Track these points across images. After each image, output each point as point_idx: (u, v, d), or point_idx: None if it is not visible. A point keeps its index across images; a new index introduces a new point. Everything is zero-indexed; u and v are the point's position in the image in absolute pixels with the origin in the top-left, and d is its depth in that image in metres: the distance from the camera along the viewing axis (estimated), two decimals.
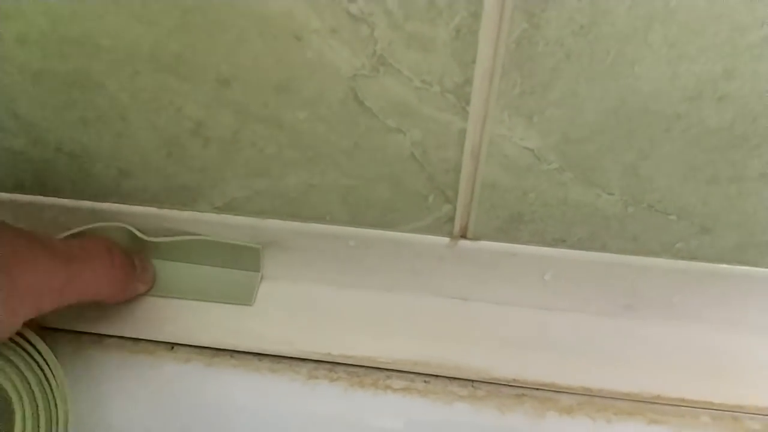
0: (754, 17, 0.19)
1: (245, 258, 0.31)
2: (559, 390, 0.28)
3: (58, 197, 0.30)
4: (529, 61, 0.21)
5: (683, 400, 0.28)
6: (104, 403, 0.28)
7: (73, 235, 0.29)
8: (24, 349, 0.24)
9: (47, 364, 0.24)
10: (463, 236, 0.28)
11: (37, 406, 0.24)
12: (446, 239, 0.28)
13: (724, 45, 0.20)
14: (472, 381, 0.28)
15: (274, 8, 0.20)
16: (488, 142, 0.24)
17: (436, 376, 0.28)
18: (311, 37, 0.21)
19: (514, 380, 0.28)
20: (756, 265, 0.27)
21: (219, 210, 0.29)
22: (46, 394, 0.24)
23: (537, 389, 0.28)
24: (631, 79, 0.21)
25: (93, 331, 0.30)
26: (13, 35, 0.22)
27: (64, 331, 0.30)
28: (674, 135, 0.23)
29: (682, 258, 0.27)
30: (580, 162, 0.24)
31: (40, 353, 0.24)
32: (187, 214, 0.29)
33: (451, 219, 0.27)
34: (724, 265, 0.27)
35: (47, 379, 0.24)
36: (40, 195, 0.30)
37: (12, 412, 0.23)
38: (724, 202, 0.25)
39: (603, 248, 0.27)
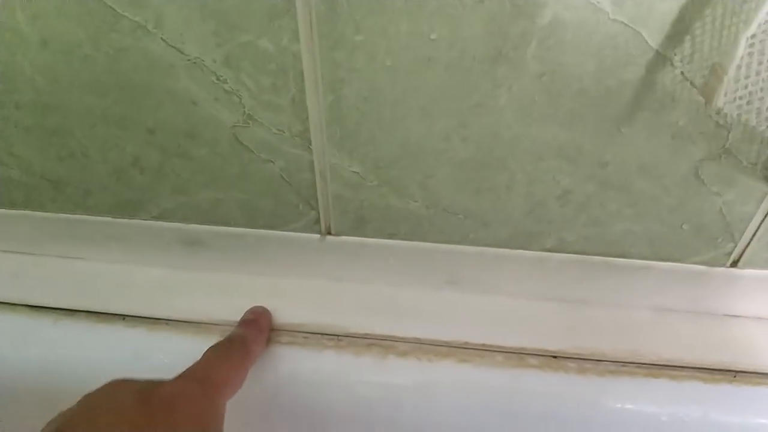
0: (465, 89, 0.31)
1: None
2: (397, 340, 0.40)
3: (41, 211, 0.41)
4: (341, 118, 0.33)
5: (482, 345, 0.40)
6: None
7: None
8: None
9: None
10: (329, 233, 0.40)
11: None
12: (317, 236, 0.40)
13: (454, 107, 0.32)
14: (338, 335, 0.40)
15: (178, 86, 0.32)
16: (329, 168, 0.36)
17: (312, 333, 0.40)
18: (204, 103, 0.33)
19: (366, 334, 0.40)
20: (527, 249, 0.39)
21: (155, 218, 0.40)
22: None
23: (382, 340, 0.40)
24: (402, 129, 0.33)
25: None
26: (13, 102, 0.34)
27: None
28: (443, 162, 0.35)
29: (477, 245, 0.39)
30: (390, 181, 0.36)
31: None
32: (134, 222, 0.41)
33: (318, 221, 0.39)
34: (506, 250, 0.39)
35: None
36: (28, 210, 0.41)
37: None
38: (491, 205, 0.37)
39: (423, 239, 0.39)
